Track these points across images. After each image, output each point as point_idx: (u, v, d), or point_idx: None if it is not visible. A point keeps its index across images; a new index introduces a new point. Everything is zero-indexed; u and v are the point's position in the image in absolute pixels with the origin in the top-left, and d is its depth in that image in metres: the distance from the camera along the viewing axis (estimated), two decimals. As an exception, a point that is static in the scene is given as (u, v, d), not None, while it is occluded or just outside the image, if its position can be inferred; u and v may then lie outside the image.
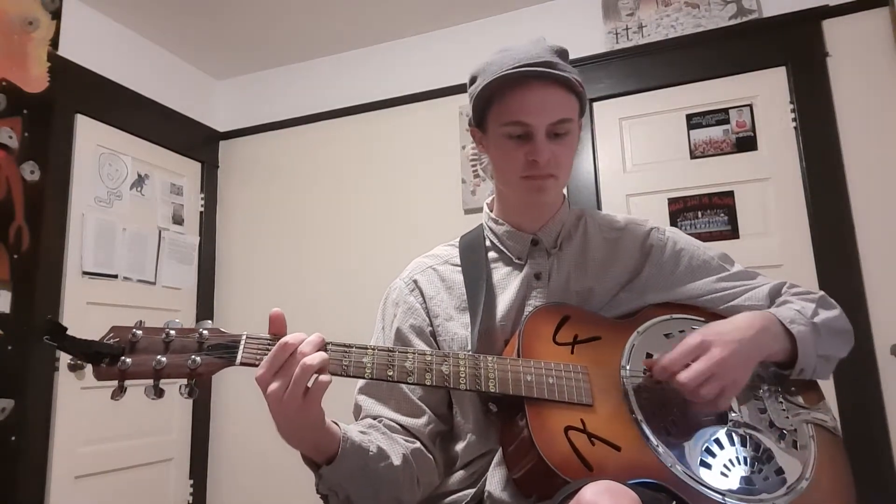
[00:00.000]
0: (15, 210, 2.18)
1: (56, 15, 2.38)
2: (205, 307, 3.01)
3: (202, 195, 3.09)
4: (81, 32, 2.52)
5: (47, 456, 2.22)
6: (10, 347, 2.10)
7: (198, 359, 0.79)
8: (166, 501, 2.72)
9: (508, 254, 1.08)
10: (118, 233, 2.60)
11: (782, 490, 0.86)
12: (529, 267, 1.06)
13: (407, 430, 0.99)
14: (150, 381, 0.80)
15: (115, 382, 0.79)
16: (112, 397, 0.80)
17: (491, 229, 1.11)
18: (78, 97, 2.47)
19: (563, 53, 1.03)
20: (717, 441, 0.89)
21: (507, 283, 1.05)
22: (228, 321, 3.04)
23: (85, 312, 2.40)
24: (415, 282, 1.09)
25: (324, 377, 0.78)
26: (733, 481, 0.85)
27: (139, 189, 2.74)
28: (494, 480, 0.93)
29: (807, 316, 0.97)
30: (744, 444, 0.89)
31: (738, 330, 0.91)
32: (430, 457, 1.00)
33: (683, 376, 0.85)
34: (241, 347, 0.81)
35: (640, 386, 0.92)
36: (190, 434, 2.86)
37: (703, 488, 0.83)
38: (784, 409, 0.95)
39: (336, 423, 0.87)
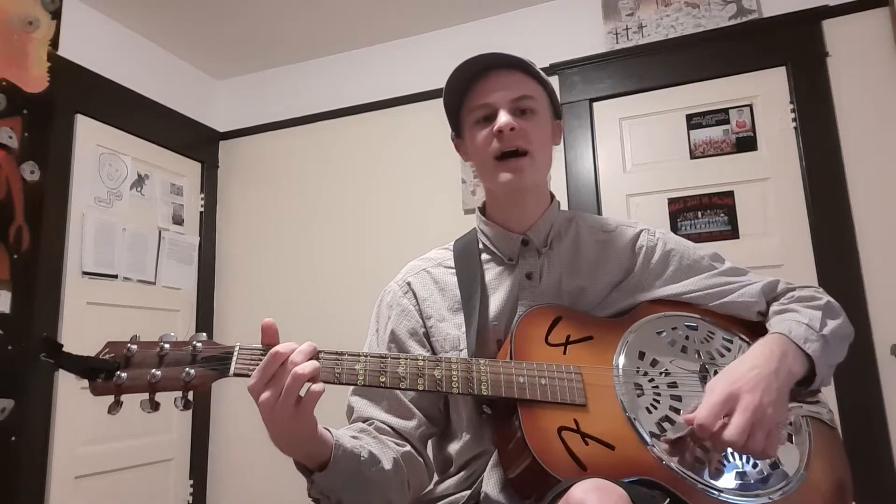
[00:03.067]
0: (15, 210, 2.18)
1: (56, 15, 2.38)
2: (205, 307, 3.01)
3: (202, 195, 3.09)
4: (81, 32, 2.52)
5: (47, 456, 2.21)
6: (10, 347, 2.10)
7: (192, 371, 0.81)
8: (166, 501, 2.72)
9: (500, 254, 1.09)
10: (118, 233, 2.60)
11: (778, 484, 0.86)
12: (521, 267, 1.07)
13: (397, 433, 1.00)
14: (146, 395, 0.81)
15: (112, 397, 0.80)
16: (109, 412, 0.80)
17: (482, 231, 1.13)
18: (78, 97, 2.47)
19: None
20: None
21: (499, 283, 1.06)
22: (228, 321, 3.04)
23: (85, 312, 2.41)
24: (408, 284, 1.11)
25: (316, 386, 0.78)
26: (729, 477, 0.85)
27: (139, 189, 2.74)
28: (491, 482, 0.93)
29: (816, 329, 0.95)
30: None
31: (761, 366, 0.88)
32: (420, 460, 1.01)
33: (728, 435, 0.81)
34: (234, 358, 0.82)
35: (636, 386, 0.92)
36: (190, 434, 2.86)
37: (699, 484, 0.83)
38: None
39: (328, 430, 0.87)
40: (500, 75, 1.02)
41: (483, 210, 1.15)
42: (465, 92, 1.06)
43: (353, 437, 0.92)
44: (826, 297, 1.03)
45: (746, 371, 0.87)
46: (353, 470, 0.87)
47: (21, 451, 2.11)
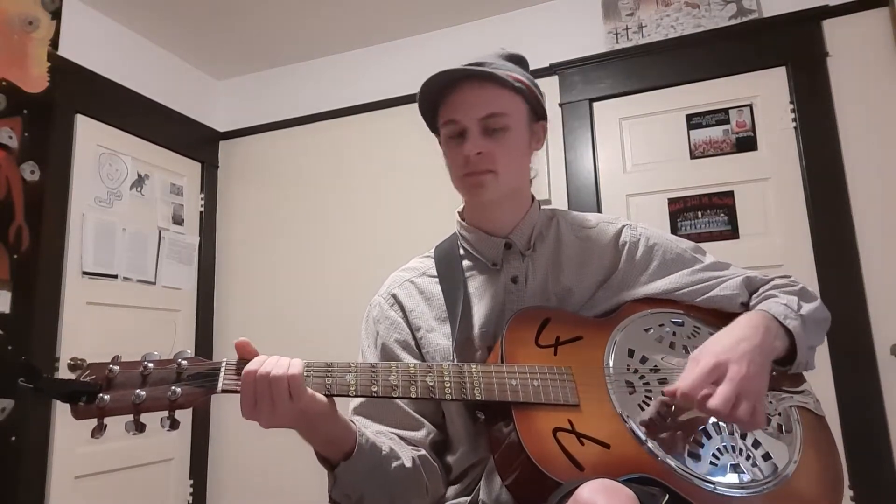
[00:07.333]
0: (15, 210, 2.18)
1: (56, 15, 2.38)
2: (205, 307, 3.02)
3: (202, 195, 3.09)
4: (81, 32, 2.52)
5: (47, 456, 2.22)
6: (10, 347, 2.10)
7: (178, 390, 0.79)
8: (166, 501, 2.72)
9: (483, 260, 1.07)
10: (118, 233, 2.60)
11: (771, 475, 0.87)
12: (505, 271, 1.05)
13: (409, 443, 0.99)
14: (131, 417, 0.79)
15: (95, 420, 0.79)
16: (92, 436, 0.78)
17: (463, 237, 1.11)
18: (78, 97, 2.47)
19: (513, 58, 1.07)
20: (705, 431, 0.89)
21: (484, 290, 1.05)
22: (228, 321, 3.04)
23: (85, 312, 2.41)
24: (394, 296, 1.09)
25: (293, 369, 0.79)
26: (723, 470, 0.86)
27: (139, 189, 2.74)
28: (488, 489, 0.93)
29: (794, 309, 0.97)
30: (731, 433, 0.90)
31: (745, 339, 0.89)
32: (436, 465, 1.00)
33: (714, 404, 0.81)
34: (222, 374, 0.81)
35: (627, 384, 0.92)
36: (190, 434, 2.86)
37: (694, 479, 0.84)
38: (768, 395, 0.95)
39: (351, 422, 0.89)
40: (471, 89, 1.00)
41: (462, 214, 1.13)
42: (438, 101, 1.04)
43: (375, 433, 0.93)
44: (801, 284, 1.05)
45: (733, 343, 0.88)
46: (375, 462, 0.88)
47: (21, 451, 2.11)
